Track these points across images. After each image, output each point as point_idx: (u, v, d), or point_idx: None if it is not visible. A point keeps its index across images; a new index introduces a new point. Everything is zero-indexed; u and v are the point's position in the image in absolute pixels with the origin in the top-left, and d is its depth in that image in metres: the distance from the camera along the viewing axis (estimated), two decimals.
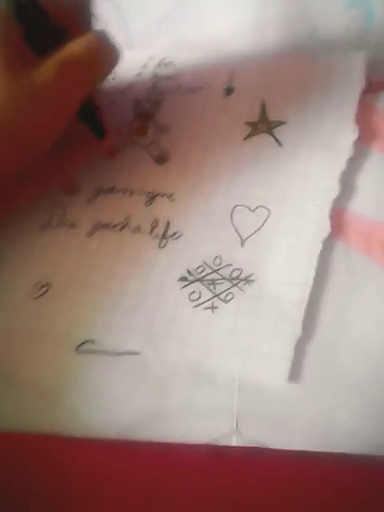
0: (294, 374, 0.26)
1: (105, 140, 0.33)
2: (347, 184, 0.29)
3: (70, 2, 0.29)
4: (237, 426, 0.25)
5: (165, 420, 0.26)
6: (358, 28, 0.34)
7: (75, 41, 0.28)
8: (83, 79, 0.29)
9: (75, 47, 0.28)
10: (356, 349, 0.26)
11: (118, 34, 0.38)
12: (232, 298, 0.28)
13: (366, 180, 0.30)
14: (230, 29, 0.37)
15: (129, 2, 0.36)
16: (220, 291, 0.28)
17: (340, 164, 0.30)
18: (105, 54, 0.29)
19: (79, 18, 0.30)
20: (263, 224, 0.30)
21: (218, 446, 0.25)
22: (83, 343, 0.29)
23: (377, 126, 0.31)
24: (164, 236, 0.31)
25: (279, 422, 0.25)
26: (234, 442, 0.25)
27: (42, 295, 0.31)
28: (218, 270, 0.29)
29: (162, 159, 0.34)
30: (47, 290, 0.31)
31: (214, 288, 0.28)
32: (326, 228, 0.28)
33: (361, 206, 0.29)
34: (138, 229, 0.31)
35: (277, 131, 0.32)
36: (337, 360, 0.26)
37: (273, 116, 0.33)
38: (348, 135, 0.30)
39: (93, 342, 0.28)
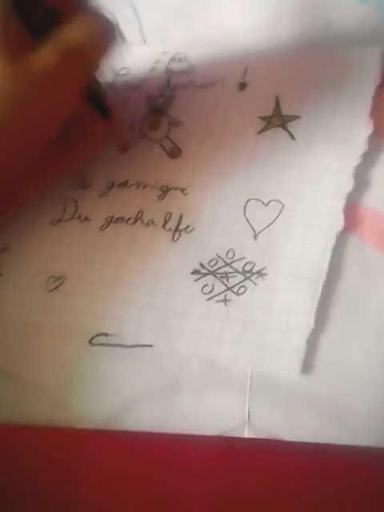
0: (307, 366, 0.26)
1: (110, 121, 0.33)
2: (361, 178, 0.29)
3: None
4: (249, 418, 0.25)
5: (177, 413, 0.26)
6: (372, 22, 0.34)
7: (73, 24, 0.28)
8: (83, 65, 0.29)
9: (74, 33, 0.28)
10: (368, 342, 0.26)
11: (130, 29, 0.38)
12: (245, 291, 0.28)
13: (380, 174, 0.29)
14: (243, 23, 0.37)
15: None
16: (233, 284, 0.28)
17: (354, 158, 0.29)
18: (103, 36, 0.29)
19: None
20: (276, 218, 0.30)
21: (231, 438, 0.25)
22: (97, 336, 0.29)
23: None
24: (177, 229, 0.31)
25: (291, 414, 0.25)
26: (246, 433, 0.25)
27: (56, 288, 0.31)
28: (230, 263, 0.29)
29: (174, 153, 0.34)
30: (61, 284, 0.31)
31: (227, 281, 0.28)
32: (339, 222, 0.28)
33: (375, 200, 0.29)
34: (151, 222, 0.32)
35: (291, 125, 0.32)
36: (349, 353, 0.26)
37: (287, 110, 0.33)
38: (362, 130, 0.30)
39: (106, 334, 0.29)
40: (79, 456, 0.27)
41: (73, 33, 0.28)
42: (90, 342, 0.29)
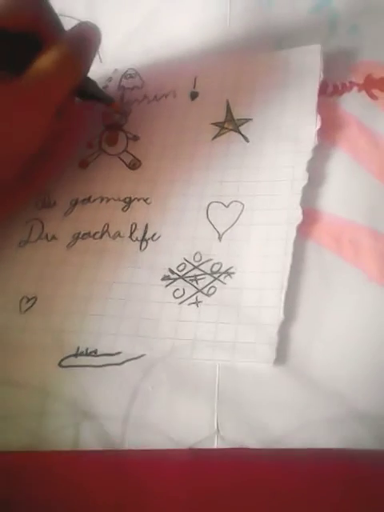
0: (280, 357, 0.26)
1: (114, 105, 0.36)
2: (317, 185, 0.30)
3: (28, 6, 0.30)
4: (218, 429, 0.26)
5: (147, 428, 0.27)
6: (321, 32, 0.35)
7: (46, 54, 0.29)
8: (52, 93, 0.29)
9: (45, 63, 0.29)
10: (332, 350, 0.26)
11: None
12: (215, 292, 0.29)
13: (334, 180, 0.30)
14: (194, 39, 0.38)
15: (97, 21, 0.37)
16: (203, 286, 0.29)
17: (306, 154, 0.30)
18: (78, 61, 0.30)
19: (45, 21, 0.30)
20: (238, 218, 0.30)
21: (201, 450, 0.25)
22: (66, 357, 0.29)
23: (342, 127, 0.31)
24: (144, 238, 0.31)
25: (259, 422, 0.25)
26: (216, 444, 0.26)
27: (28, 309, 0.31)
28: (198, 265, 0.30)
29: (134, 165, 0.34)
30: (34, 304, 0.31)
31: (197, 283, 0.29)
32: (298, 216, 0.29)
33: (331, 205, 0.30)
34: (117, 234, 0.32)
35: (243, 128, 0.33)
36: (313, 360, 0.26)
37: (238, 114, 0.34)
38: (310, 125, 0.31)
39: (75, 355, 0.29)
40: (46, 476, 0.27)
41: (43, 64, 0.29)
42: (59, 364, 0.29)
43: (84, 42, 0.31)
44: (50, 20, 0.31)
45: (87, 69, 0.33)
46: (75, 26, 0.31)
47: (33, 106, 0.29)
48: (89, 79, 0.34)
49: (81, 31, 0.31)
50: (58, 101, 0.30)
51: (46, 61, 0.29)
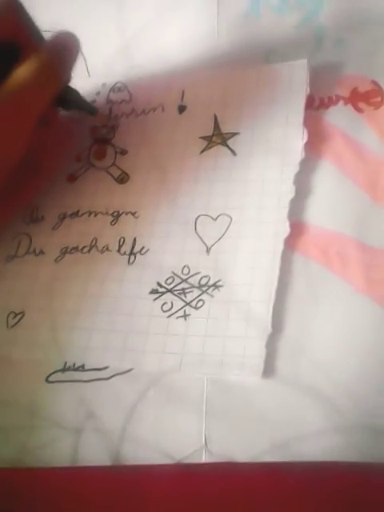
0: (268, 369, 0.26)
1: (97, 115, 0.36)
2: (304, 197, 0.30)
3: (6, 16, 0.30)
4: (206, 443, 0.26)
5: (135, 442, 0.26)
6: (308, 46, 0.35)
7: (26, 63, 0.29)
8: (38, 100, 0.29)
9: (24, 72, 0.28)
10: (319, 363, 0.26)
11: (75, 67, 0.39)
12: (203, 305, 0.29)
13: (321, 193, 0.30)
14: (182, 53, 0.38)
15: (85, 35, 0.37)
16: (191, 299, 0.29)
17: (293, 167, 0.31)
18: (58, 69, 0.30)
19: (24, 30, 0.30)
20: (226, 231, 0.30)
21: (189, 464, 0.25)
22: (53, 373, 0.29)
23: (328, 140, 0.32)
24: (132, 252, 0.31)
25: (248, 436, 0.25)
26: (204, 458, 0.25)
27: (15, 324, 0.31)
28: (187, 279, 0.30)
29: (122, 179, 0.34)
30: (21, 319, 0.31)
31: (185, 297, 0.29)
32: (285, 229, 0.29)
33: (318, 218, 0.30)
34: (105, 248, 0.32)
35: (231, 142, 0.33)
36: (300, 372, 0.26)
37: (226, 128, 0.34)
38: (297, 138, 0.31)
39: (62, 371, 0.29)
40: (36, 492, 0.26)
41: (21, 75, 0.29)
42: (46, 380, 0.29)
43: (64, 50, 0.31)
44: (29, 29, 0.31)
45: (68, 78, 0.32)
46: (54, 36, 0.31)
47: (12, 116, 0.29)
48: (71, 88, 0.34)
49: (60, 40, 0.31)
50: (39, 110, 0.30)
51: (25, 70, 0.29)
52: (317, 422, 0.25)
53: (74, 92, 0.35)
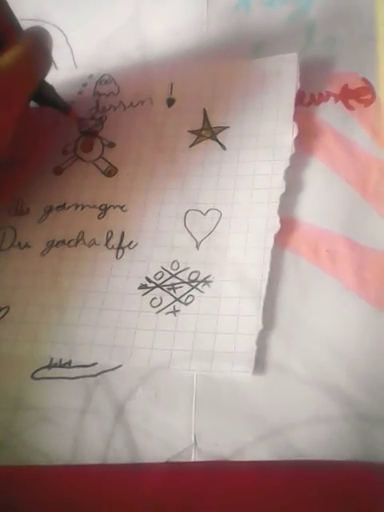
0: (258, 366, 0.26)
1: (70, 113, 0.35)
2: (294, 193, 0.30)
3: None
4: (195, 441, 0.25)
5: (124, 441, 0.26)
6: (298, 41, 0.35)
7: (7, 52, 0.29)
8: (16, 91, 0.29)
9: (7, 60, 0.29)
10: (309, 359, 0.26)
11: (62, 57, 0.39)
12: (192, 300, 0.28)
13: (311, 189, 0.30)
14: (170, 45, 0.38)
15: (72, 27, 0.37)
16: (180, 295, 0.29)
17: (283, 162, 0.30)
18: (36, 58, 0.30)
19: (4, 21, 0.30)
20: (216, 226, 0.30)
21: (178, 463, 0.25)
22: (39, 370, 0.28)
23: (318, 137, 0.31)
24: (120, 246, 0.31)
25: (237, 434, 0.25)
26: (193, 457, 0.25)
27: (1, 319, 0.30)
28: (176, 274, 0.29)
29: (110, 172, 0.34)
30: (6, 313, 0.31)
31: (175, 292, 0.29)
32: (276, 224, 0.29)
33: (308, 214, 0.30)
34: (93, 242, 0.32)
35: (220, 136, 0.33)
36: (291, 368, 0.26)
37: (215, 122, 0.34)
38: (287, 133, 0.31)
39: (49, 367, 0.28)
40: (27, 490, 0.26)
41: (3, 61, 0.29)
42: (32, 376, 0.28)
43: (42, 43, 0.31)
44: (9, 20, 0.31)
45: (45, 71, 0.32)
46: (29, 29, 0.31)
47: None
48: (46, 84, 0.34)
49: (37, 33, 0.31)
50: (23, 99, 0.30)
51: (7, 58, 0.29)
52: (307, 417, 0.25)
53: (50, 87, 0.34)
